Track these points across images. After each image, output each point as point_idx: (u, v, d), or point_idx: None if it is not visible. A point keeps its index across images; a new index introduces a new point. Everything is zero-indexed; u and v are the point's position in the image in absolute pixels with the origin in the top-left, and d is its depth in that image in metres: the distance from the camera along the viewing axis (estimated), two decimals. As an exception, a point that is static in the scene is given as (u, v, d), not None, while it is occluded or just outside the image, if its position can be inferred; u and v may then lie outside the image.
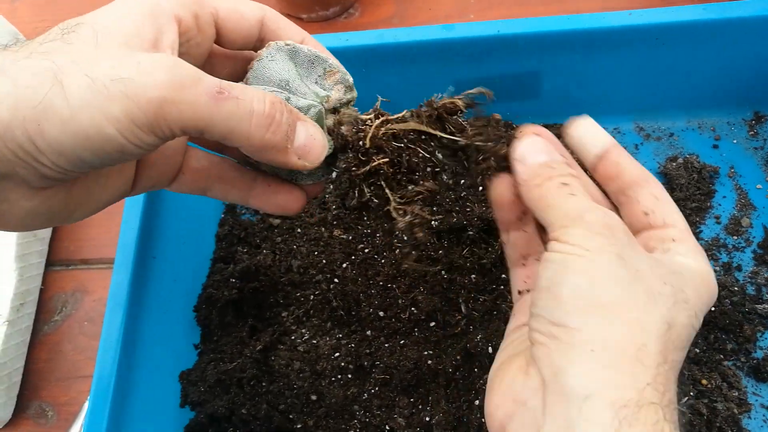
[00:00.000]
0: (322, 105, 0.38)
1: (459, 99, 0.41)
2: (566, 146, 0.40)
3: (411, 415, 0.52)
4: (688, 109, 0.66)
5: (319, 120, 0.37)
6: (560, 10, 0.77)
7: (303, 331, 0.58)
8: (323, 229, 0.63)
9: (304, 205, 0.42)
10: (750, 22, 0.58)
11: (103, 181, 0.35)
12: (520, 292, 0.41)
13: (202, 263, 0.63)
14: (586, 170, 0.39)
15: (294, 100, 0.37)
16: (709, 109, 0.66)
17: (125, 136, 0.29)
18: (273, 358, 0.56)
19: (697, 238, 0.59)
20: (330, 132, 0.38)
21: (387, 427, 0.52)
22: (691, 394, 0.51)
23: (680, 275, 0.31)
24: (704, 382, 0.52)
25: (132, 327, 0.52)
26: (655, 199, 0.36)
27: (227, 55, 0.41)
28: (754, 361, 0.53)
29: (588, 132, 0.39)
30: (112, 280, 0.52)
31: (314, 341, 0.57)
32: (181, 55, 0.35)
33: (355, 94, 0.41)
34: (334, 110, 0.39)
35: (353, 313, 0.57)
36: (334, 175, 0.40)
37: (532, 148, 0.37)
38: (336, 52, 0.60)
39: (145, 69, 0.29)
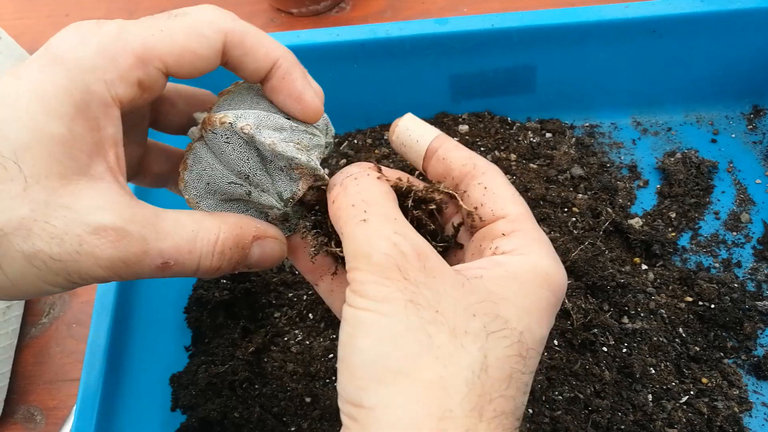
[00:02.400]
0: (286, 207, 0.35)
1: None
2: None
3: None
4: (686, 103, 0.66)
5: (281, 216, 0.36)
6: (555, 3, 0.77)
7: (296, 332, 0.57)
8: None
9: (282, 250, 0.38)
10: (748, 14, 0.57)
11: None
12: None
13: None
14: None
15: (255, 195, 0.34)
16: (707, 103, 0.65)
17: (68, 288, 0.30)
18: (266, 360, 0.55)
19: (696, 234, 0.58)
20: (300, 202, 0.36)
21: (382, 430, 0.51)
22: (691, 392, 0.50)
23: (496, 292, 0.28)
24: (704, 380, 0.51)
25: (120, 329, 0.51)
26: (483, 190, 0.33)
27: (175, 103, 0.38)
28: (755, 359, 0.52)
29: (409, 131, 0.36)
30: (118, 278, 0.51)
31: (308, 342, 0.56)
32: (125, 115, 0.32)
33: (324, 174, 0.36)
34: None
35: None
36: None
37: (347, 170, 0.34)
38: (327, 48, 0.59)
39: (86, 247, 0.28)
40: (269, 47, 0.33)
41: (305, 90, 0.34)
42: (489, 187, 0.33)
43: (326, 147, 0.37)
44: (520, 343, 0.28)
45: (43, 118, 0.28)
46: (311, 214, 0.37)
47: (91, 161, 0.29)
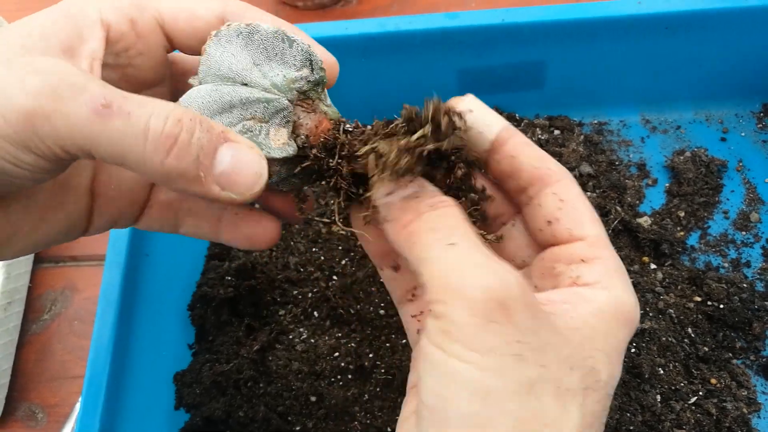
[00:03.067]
0: (286, 96, 0.32)
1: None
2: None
3: (413, 416, 0.51)
4: (696, 101, 0.65)
5: (279, 113, 0.32)
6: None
7: (301, 330, 0.56)
8: (321, 225, 0.61)
9: (277, 237, 0.36)
10: (759, 11, 0.57)
11: (33, 218, 0.31)
12: (419, 331, 0.34)
13: (197, 260, 0.61)
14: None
15: (246, 94, 0.31)
16: (717, 102, 0.65)
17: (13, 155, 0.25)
18: (270, 358, 0.54)
19: (705, 234, 0.58)
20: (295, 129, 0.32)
21: (389, 429, 0.51)
22: (700, 393, 0.50)
23: (587, 340, 0.26)
24: (713, 381, 0.51)
25: (124, 327, 0.50)
26: (559, 203, 0.29)
27: (195, 65, 0.35)
28: (764, 360, 0.52)
29: (474, 113, 0.31)
30: (103, 277, 0.50)
31: (313, 341, 0.55)
32: (123, 67, 0.32)
33: (323, 74, 0.33)
34: (304, 94, 0.32)
35: (353, 311, 0.55)
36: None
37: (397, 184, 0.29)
38: (335, 41, 0.58)
39: (16, 75, 0.25)
40: (268, 18, 0.33)
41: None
42: (566, 200, 0.29)
43: (316, 84, 0.33)
44: (607, 395, 0.26)
45: (34, 17, 0.28)
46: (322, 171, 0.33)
47: (63, 57, 0.27)
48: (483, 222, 0.34)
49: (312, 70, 0.32)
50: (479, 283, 0.24)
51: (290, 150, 0.32)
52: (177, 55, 0.35)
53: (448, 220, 0.27)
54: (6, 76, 0.25)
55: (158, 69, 0.33)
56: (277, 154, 0.31)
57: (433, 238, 0.26)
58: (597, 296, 0.27)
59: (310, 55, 0.32)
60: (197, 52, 0.32)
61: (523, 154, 0.31)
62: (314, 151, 0.32)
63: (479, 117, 0.31)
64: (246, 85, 0.31)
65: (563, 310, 0.26)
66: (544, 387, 0.23)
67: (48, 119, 0.24)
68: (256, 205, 0.40)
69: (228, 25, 0.31)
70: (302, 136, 0.33)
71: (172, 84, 0.36)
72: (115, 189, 0.34)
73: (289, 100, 0.32)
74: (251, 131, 0.31)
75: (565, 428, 0.24)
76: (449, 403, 0.24)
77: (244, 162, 0.28)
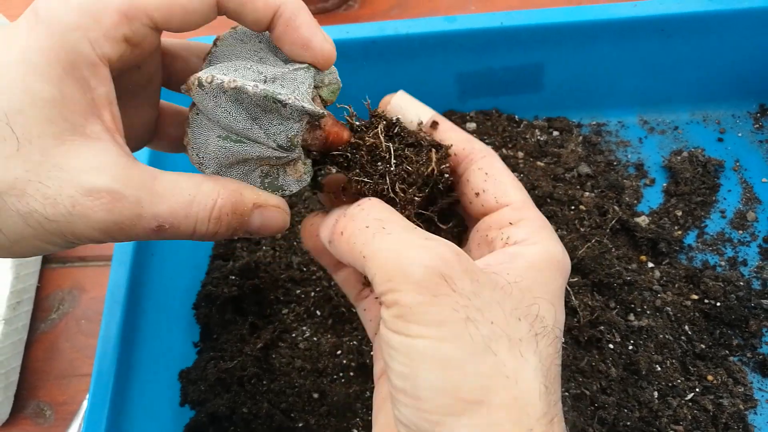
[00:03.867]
0: (289, 153, 0.33)
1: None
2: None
3: (414, 413, 0.52)
4: (693, 101, 0.66)
5: (306, 81, 0.33)
6: (563, 2, 0.77)
7: (304, 328, 0.57)
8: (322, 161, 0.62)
9: (284, 219, 0.37)
10: (756, 13, 0.57)
11: None
12: (372, 322, 0.37)
13: (201, 260, 0.62)
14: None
15: (257, 151, 0.33)
16: (714, 102, 0.66)
17: (65, 247, 0.30)
18: (274, 356, 0.55)
19: (702, 233, 0.59)
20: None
21: (390, 426, 0.52)
22: (697, 390, 0.51)
23: (527, 290, 0.27)
24: (710, 378, 0.51)
25: (130, 325, 0.51)
26: (484, 176, 0.32)
27: (182, 58, 0.36)
28: (760, 357, 0.52)
29: (403, 110, 0.34)
30: (110, 277, 0.51)
31: (315, 339, 0.56)
32: (122, 81, 0.32)
33: (333, 77, 0.35)
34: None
35: (354, 309, 0.56)
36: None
37: (319, 220, 0.34)
38: (336, 45, 0.59)
39: (80, 209, 0.27)
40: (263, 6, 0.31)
41: (313, 36, 0.32)
42: (490, 173, 0.32)
43: (327, 85, 0.35)
44: (556, 339, 0.27)
45: (32, 80, 0.27)
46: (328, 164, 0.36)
47: (86, 121, 0.29)
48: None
49: (311, 116, 0.33)
50: (418, 262, 0.26)
51: (307, 179, 0.34)
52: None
53: (375, 212, 0.29)
54: (63, 208, 0.27)
55: (153, 61, 0.34)
56: (297, 188, 0.35)
57: (367, 235, 0.28)
58: (528, 251, 0.29)
59: (304, 108, 0.32)
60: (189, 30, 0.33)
61: (451, 138, 0.34)
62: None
63: (409, 110, 0.35)
64: (251, 140, 0.33)
65: (501, 269, 0.28)
66: (499, 342, 0.25)
67: (115, 239, 0.30)
68: None
69: (209, 80, 0.31)
70: (314, 153, 0.35)
71: (161, 59, 0.36)
72: (130, 121, 0.35)
73: (297, 146, 0.33)
74: (270, 176, 0.34)
75: (525, 374, 0.25)
76: (417, 380, 0.25)
77: (271, 221, 0.33)
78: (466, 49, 0.60)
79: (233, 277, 0.59)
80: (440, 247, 0.27)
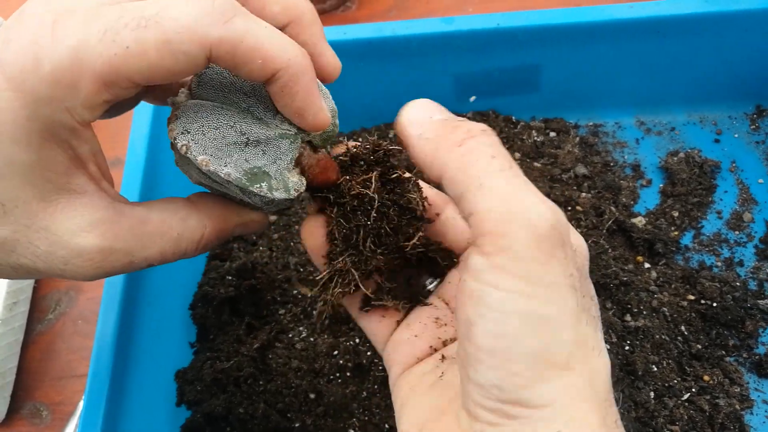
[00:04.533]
0: (299, 138, 0.33)
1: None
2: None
3: (411, 413, 0.52)
4: (690, 103, 0.66)
5: (284, 154, 0.32)
6: (560, 3, 0.77)
7: (301, 329, 0.57)
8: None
9: (264, 225, 0.38)
10: (752, 14, 0.57)
11: None
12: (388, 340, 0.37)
13: (198, 261, 0.62)
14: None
15: (262, 133, 0.32)
16: (710, 103, 0.66)
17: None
18: (270, 356, 0.55)
19: (699, 234, 0.59)
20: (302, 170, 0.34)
21: (386, 426, 0.52)
22: (693, 390, 0.51)
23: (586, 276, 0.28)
24: (706, 378, 0.51)
25: (127, 326, 0.51)
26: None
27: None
28: (756, 357, 0.52)
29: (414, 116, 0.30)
30: (106, 278, 0.51)
31: (312, 339, 0.56)
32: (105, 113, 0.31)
33: (337, 125, 0.35)
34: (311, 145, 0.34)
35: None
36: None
37: (425, 106, 0.28)
38: (333, 46, 0.59)
39: (71, 267, 0.29)
40: (267, 56, 0.28)
41: (308, 107, 0.30)
42: None
43: (321, 132, 0.34)
44: (598, 316, 0.27)
45: (9, 148, 0.26)
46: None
47: (70, 178, 0.28)
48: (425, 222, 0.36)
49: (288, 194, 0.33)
50: (542, 214, 0.23)
51: (302, 187, 0.33)
52: None
53: (502, 149, 0.26)
54: (58, 263, 0.29)
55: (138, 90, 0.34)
56: (293, 194, 0.33)
57: (493, 164, 0.24)
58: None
59: (273, 198, 0.32)
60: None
61: None
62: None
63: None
64: (254, 116, 0.32)
65: None
66: (584, 315, 0.25)
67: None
68: None
69: (184, 151, 0.30)
70: (306, 174, 0.34)
71: None
72: None
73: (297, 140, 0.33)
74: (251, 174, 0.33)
75: (600, 348, 0.25)
76: (515, 340, 0.23)
77: (250, 230, 0.37)
78: (464, 50, 0.60)
79: (230, 278, 0.59)
80: (557, 207, 0.24)
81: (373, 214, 0.33)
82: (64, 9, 0.26)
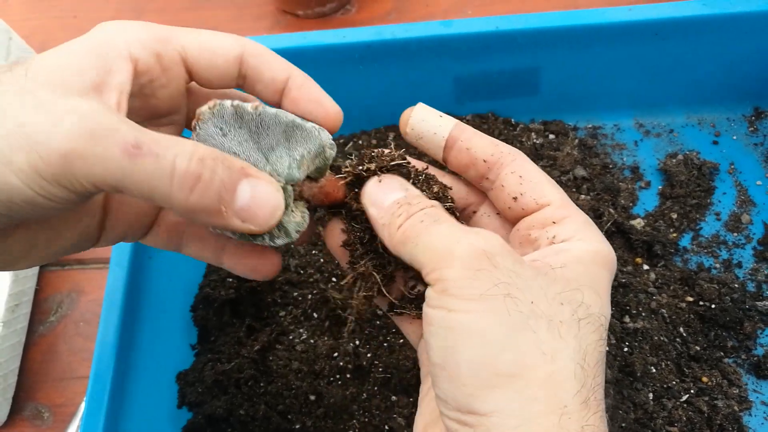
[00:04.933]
0: (289, 186, 0.34)
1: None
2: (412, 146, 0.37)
3: (410, 414, 0.52)
4: (688, 105, 0.66)
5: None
6: (559, 6, 0.77)
7: (301, 330, 0.57)
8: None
9: (277, 269, 0.38)
10: (749, 17, 0.58)
11: (48, 234, 0.32)
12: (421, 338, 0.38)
13: (199, 263, 0.62)
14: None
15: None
16: (708, 105, 0.66)
17: (31, 188, 0.25)
18: (271, 358, 0.56)
19: (697, 235, 0.59)
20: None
21: (386, 427, 0.52)
22: (692, 391, 0.51)
23: (573, 279, 0.28)
24: (704, 379, 0.51)
25: (128, 327, 0.51)
26: (519, 179, 0.33)
27: (210, 95, 0.38)
28: (755, 358, 0.53)
29: (425, 122, 0.35)
30: (108, 280, 0.51)
31: (312, 341, 0.56)
32: (147, 97, 0.33)
33: (332, 153, 0.35)
34: (309, 178, 0.35)
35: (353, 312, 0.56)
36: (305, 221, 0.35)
37: (385, 187, 0.33)
38: (333, 49, 0.60)
39: (54, 116, 0.26)
40: (283, 62, 0.35)
41: (324, 96, 0.35)
42: (524, 176, 0.33)
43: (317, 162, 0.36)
44: (602, 326, 0.28)
45: (65, 50, 0.29)
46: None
47: (93, 92, 0.29)
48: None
49: (316, 158, 0.35)
50: (464, 243, 0.27)
51: (305, 225, 0.35)
52: (194, 84, 0.36)
53: (433, 213, 0.30)
54: (45, 117, 0.26)
55: (177, 99, 0.35)
56: (295, 236, 0.34)
57: (421, 228, 0.30)
58: (574, 247, 0.30)
59: (316, 144, 0.34)
60: (214, 87, 0.35)
61: (476, 144, 0.34)
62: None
63: (431, 121, 0.35)
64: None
65: (546, 262, 0.29)
66: (538, 321, 0.26)
67: (83, 159, 0.25)
68: None
69: (220, 104, 0.32)
70: (310, 201, 0.36)
71: (188, 112, 0.38)
72: (127, 207, 0.36)
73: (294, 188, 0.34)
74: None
75: (561, 353, 0.26)
76: (456, 353, 0.26)
77: (263, 196, 0.30)
78: (463, 53, 0.60)
79: (231, 280, 0.59)
80: (488, 234, 0.28)
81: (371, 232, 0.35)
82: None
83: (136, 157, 0.26)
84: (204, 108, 0.32)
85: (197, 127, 0.32)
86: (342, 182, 0.36)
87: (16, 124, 0.25)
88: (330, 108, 0.35)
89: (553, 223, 0.32)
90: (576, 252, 0.30)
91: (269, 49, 0.35)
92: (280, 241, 0.34)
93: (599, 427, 0.26)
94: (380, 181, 0.34)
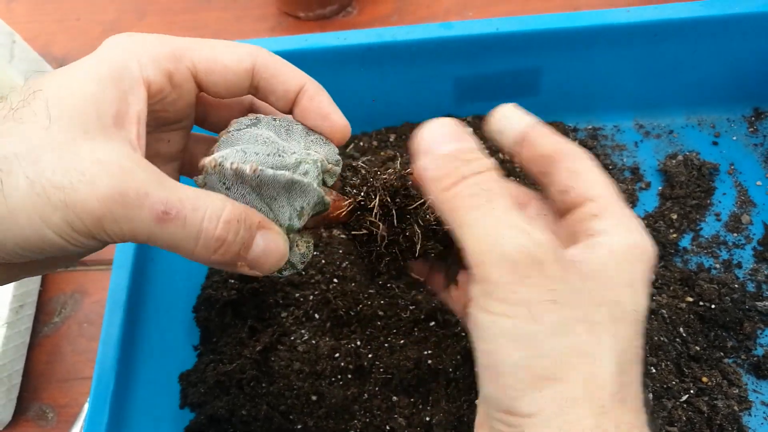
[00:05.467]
0: (314, 160, 0.35)
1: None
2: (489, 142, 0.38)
3: (411, 415, 0.52)
4: (688, 105, 0.66)
5: (310, 173, 0.35)
6: (559, 7, 0.77)
7: (303, 331, 0.58)
8: (322, 228, 0.63)
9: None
10: (749, 18, 0.58)
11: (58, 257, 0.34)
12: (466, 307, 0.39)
13: (201, 264, 0.63)
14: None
15: (286, 156, 0.34)
16: (708, 106, 0.66)
17: (64, 239, 0.28)
18: (273, 358, 0.56)
19: (697, 236, 0.59)
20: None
21: (387, 427, 0.52)
22: (692, 391, 0.51)
23: (609, 277, 0.29)
24: (704, 379, 0.52)
25: (131, 328, 0.52)
26: (570, 174, 0.33)
27: (220, 104, 0.39)
28: (755, 359, 0.53)
29: (507, 118, 0.35)
30: (111, 281, 0.52)
31: (314, 341, 0.57)
32: (155, 112, 0.34)
33: (337, 170, 0.37)
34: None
35: (353, 313, 0.57)
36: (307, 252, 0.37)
37: (438, 132, 0.31)
38: (335, 51, 0.60)
39: (89, 177, 0.27)
40: (296, 72, 0.36)
41: (334, 109, 0.36)
42: (577, 171, 0.33)
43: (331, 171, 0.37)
44: (637, 322, 0.29)
45: (81, 77, 0.30)
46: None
47: (114, 128, 0.30)
48: None
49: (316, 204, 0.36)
50: (514, 242, 0.27)
51: (310, 256, 0.37)
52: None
53: (487, 184, 0.30)
54: (78, 176, 0.27)
55: (187, 109, 0.36)
56: (301, 266, 0.36)
57: (471, 204, 0.29)
58: (609, 240, 0.30)
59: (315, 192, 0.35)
60: (225, 98, 0.36)
61: (541, 141, 0.35)
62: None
63: (509, 118, 0.36)
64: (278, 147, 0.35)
65: (583, 259, 0.29)
66: (578, 325, 0.27)
67: (115, 221, 0.28)
68: None
69: (221, 165, 0.32)
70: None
71: (197, 116, 0.39)
72: None
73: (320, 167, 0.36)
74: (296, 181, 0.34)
75: (600, 354, 0.27)
76: (499, 356, 0.27)
77: (272, 247, 0.33)
78: (463, 54, 0.61)
79: (233, 281, 0.59)
80: (537, 232, 0.28)
81: (383, 243, 0.38)
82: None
83: (165, 222, 0.28)
84: (207, 163, 0.32)
85: (204, 177, 0.33)
86: (345, 209, 0.37)
87: (51, 185, 0.27)
88: (337, 122, 0.36)
89: (594, 216, 0.32)
90: (611, 246, 0.30)
91: (281, 57, 0.36)
92: (286, 273, 0.36)
93: (634, 423, 0.27)
94: (434, 126, 0.32)
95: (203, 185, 0.33)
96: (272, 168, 0.33)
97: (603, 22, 0.58)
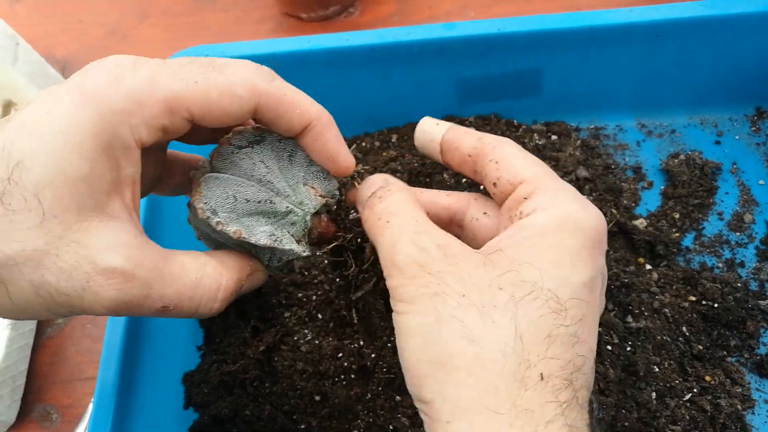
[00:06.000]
0: (304, 212, 0.38)
1: None
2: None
3: (414, 414, 0.52)
4: (690, 105, 0.66)
5: (297, 224, 0.38)
6: (561, 7, 0.77)
7: (306, 331, 0.58)
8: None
9: (265, 277, 0.41)
10: (750, 17, 0.58)
11: None
12: None
13: (204, 264, 0.63)
14: None
15: (277, 203, 0.37)
16: (710, 105, 0.66)
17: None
18: (276, 358, 0.56)
19: (700, 235, 0.59)
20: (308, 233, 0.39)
21: (391, 427, 0.52)
22: (695, 390, 0.51)
23: (518, 258, 0.29)
24: (707, 378, 0.52)
25: (135, 329, 0.52)
26: (495, 165, 0.34)
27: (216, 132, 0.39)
28: (758, 357, 0.53)
29: (424, 133, 0.38)
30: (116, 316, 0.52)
31: (317, 342, 0.57)
32: (145, 153, 0.33)
33: (332, 202, 0.40)
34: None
35: (356, 312, 0.57)
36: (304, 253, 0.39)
37: (366, 185, 0.37)
38: (336, 52, 0.60)
39: (93, 286, 0.29)
40: (304, 108, 0.34)
41: (339, 150, 0.36)
42: (500, 161, 0.34)
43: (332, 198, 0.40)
44: (551, 300, 0.28)
45: (68, 156, 0.28)
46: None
47: (109, 199, 0.30)
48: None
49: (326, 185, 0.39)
50: (402, 253, 0.31)
51: (308, 251, 0.39)
52: None
53: (390, 205, 0.34)
54: (81, 285, 0.29)
55: (177, 136, 0.36)
56: (302, 254, 0.38)
57: (378, 225, 0.33)
58: (536, 219, 0.31)
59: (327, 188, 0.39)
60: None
61: (462, 143, 0.36)
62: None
63: (426, 131, 0.38)
64: (272, 190, 0.37)
65: (501, 246, 0.31)
66: (467, 311, 0.28)
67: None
68: None
69: (209, 218, 0.35)
70: (314, 235, 0.39)
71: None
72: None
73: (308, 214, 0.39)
74: (277, 240, 0.37)
75: (488, 339, 0.27)
76: (402, 349, 0.30)
77: (255, 282, 0.39)
78: (465, 55, 0.61)
79: (236, 281, 0.60)
80: (425, 241, 0.31)
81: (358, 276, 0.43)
82: (144, 58, 0.32)
83: (164, 313, 0.32)
84: (197, 209, 0.35)
85: (193, 211, 0.36)
86: (326, 247, 0.41)
87: (56, 291, 0.29)
88: (342, 163, 0.37)
89: (524, 199, 0.33)
90: (536, 226, 0.31)
91: (290, 86, 0.34)
92: (276, 265, 0.40)
93: (537, 401, 0.27)
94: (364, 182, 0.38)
95: (193, 218, 0.36)
96: (262, 215, 0.37)
97: (605, 22, 0.58)
